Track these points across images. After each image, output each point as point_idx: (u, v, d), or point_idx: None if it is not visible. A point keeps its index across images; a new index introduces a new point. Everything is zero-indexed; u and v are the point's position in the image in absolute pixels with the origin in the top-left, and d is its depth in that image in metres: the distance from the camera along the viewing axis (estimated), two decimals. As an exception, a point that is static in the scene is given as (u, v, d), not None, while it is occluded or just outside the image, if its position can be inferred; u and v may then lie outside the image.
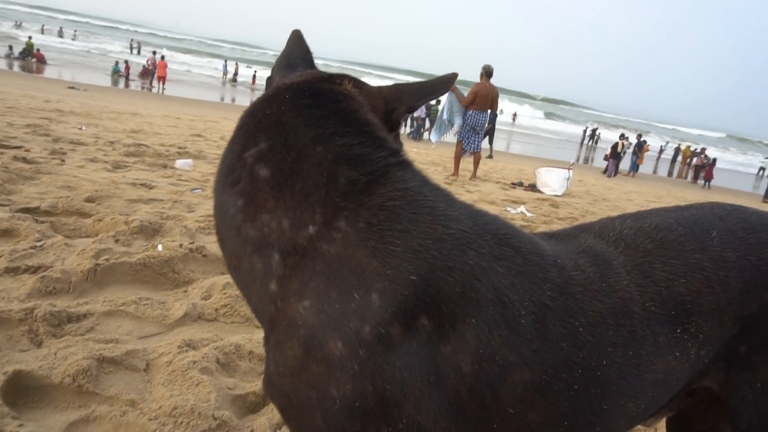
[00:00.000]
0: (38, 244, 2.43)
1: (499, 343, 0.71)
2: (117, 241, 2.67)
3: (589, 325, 0.78)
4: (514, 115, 48.03)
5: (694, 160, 26.99)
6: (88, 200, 3.48)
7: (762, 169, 30.39)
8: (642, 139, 22.83)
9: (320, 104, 0.84)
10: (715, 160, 24.21)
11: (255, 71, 40.14)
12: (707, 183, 22.93)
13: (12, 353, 1.60)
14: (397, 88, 0.96)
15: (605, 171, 20.43)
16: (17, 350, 1.64)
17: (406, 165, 0.83)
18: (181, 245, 2.59)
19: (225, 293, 2.23)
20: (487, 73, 9.26)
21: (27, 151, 4.99)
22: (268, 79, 1.02)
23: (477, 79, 9.30)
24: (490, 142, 19.24)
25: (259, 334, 2.00)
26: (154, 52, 27.63)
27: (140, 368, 1.65)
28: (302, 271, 0.73)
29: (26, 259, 2.24)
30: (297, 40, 1.06)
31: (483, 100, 9.26)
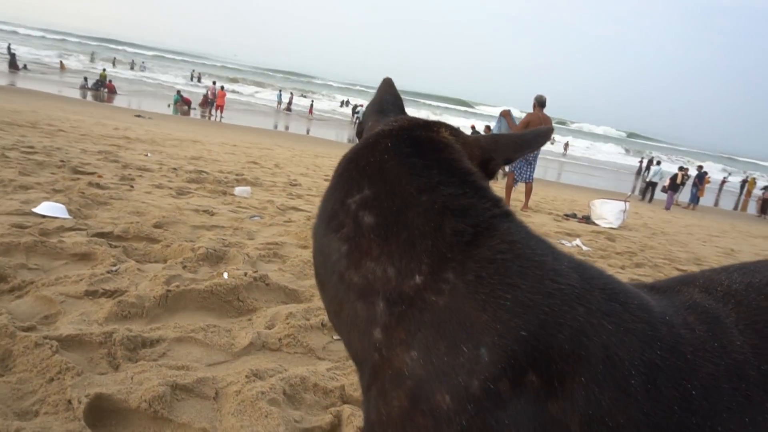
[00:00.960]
0: (114, 268, 2.55)
1: (609, 404, 0.68)
2: (185, 267, 2.78)
3: (702, 388, 0.74)
4: (566, 144, 47.29)
5: (761, 193, 25.70)
6: (156, 226, 3.64)
7: None
8: (703, 170, 21.94)
9: (422, 153, 0.86)
10: None
11: (312, 101, 41.38)
12: None
13: (93, 376, 1.68)
14: (495, 138, 0.97)
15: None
16: (97, 372, 1.72)
17: (510, 216, 0.83)
18: (245, 274, 2.67)
19: (288, 323, 2.27)
20: (540, 103, 9.21)
21: (100, 177, 5.30)
22: (359, 124, 1.06)
23: (529, 107, 9.26)
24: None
25: (322, 366, 2.02)
26: (214, 83, 28.95)
27: (210, 396, 1.69)
28: (409, 322, 0.73)
29: (104, 283, 2.36)
30: (388, 87, 1.09)
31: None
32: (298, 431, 1.57)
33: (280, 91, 40.78)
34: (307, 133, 25.64)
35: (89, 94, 26.40)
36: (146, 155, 7.91)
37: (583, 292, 0.74)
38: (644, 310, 0.77)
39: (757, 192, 28.86)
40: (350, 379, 1.91)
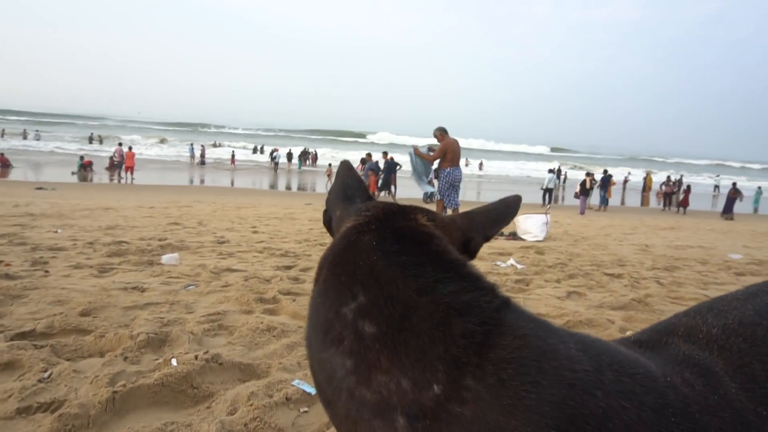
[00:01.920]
0: (45, 375, 2.31)
1: None
2: (126, 359, 2.57)
3: None
4: (480, 164, 49.37)
5: (663, 187, 27.98)
6: (84, 314, 3.36)
7: (716, 186, 31.57)
8: (608, 173, 23.57)
9: (410, 249, 0.83)
10: (689, 186, 24.89)
11: (233, 151, 40.57)
12: (683, 209, 23.51)
13: None
14: (471, 217, 0.97)
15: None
16: (47, 507, 1.53)
17: (510, 304, 0.81)
18: (196, 357, 2.51)
19: (251, 404, 2.14)
20: (443, 131, 9.62)
21: (8, 265, 4.86)
22: (326, 212, 1.02)
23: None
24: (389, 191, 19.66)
25: (296, 447, 1.91)
26: (120, 144, 27.73)
27: None
28: None
29: (37, 395, 2.13)
30: (348, 171, 1.07)
31: (454, 155, 9.52)
32: None
33: (192, 144, 39.72)
34: (233, 185, 25.04)
35: (-21, 170, 24.44)
36: (56, 232, 7.39)
37: (596, 375, 0.73)
38: (650, 379, 0.78)
39: (655, 187, 31.40)
40: (330, 458, 1.82)
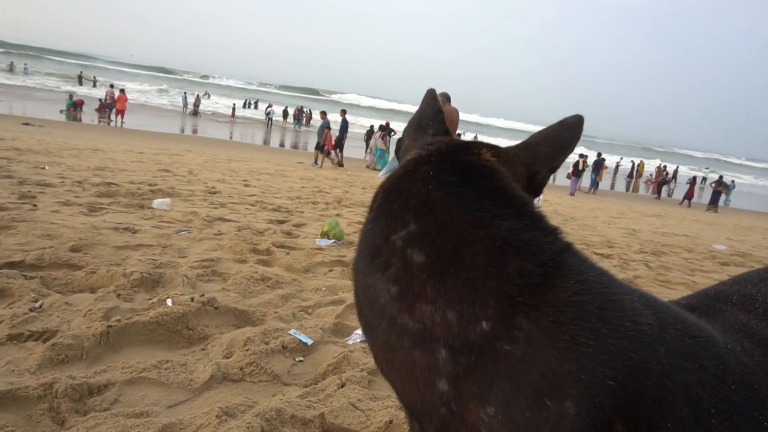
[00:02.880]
0: (36, 305, 2.26)
1: None
2: (119, 296, 2.53)
3: None
4: (475, 137, 49.15)
5: (650, 175, 28.19)
6: (74, 249, 3.30)
7: (703, 179, 31.95)
8: (601, 156, 23.60)
9: (470, 182, 0.78)
10: (694, 178, 24.76)
11: (234, 104, 39.69)
12: (688, 201, 23.43)
13: (37, 438, 1.46)
14: (533, 149, 0.91)
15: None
16: (41, 433, 1.50)
17: (573, 249, 0.76)
18: (192, 299, 2.47)
19: (247, 350, 2.12)
20: (447, 98, 9.44)
21: (-9, 197, 4.74)
22: (398, 141, 0.98)
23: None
24: (341, 150, 19.69)
25: (293, 394, 1.91)
26: (112, 86, 27.04)
27: (181, 445, 1.53)
28: (482, 373, 0.66)
29: (28, 324, 2.08)
30: (430, 100, 1.01)
31: (451, 126, 9.42)
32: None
33: (185, 93, 38.86)
34: (231, 138, 24.64)
35: (-37, 100, 23.77)
36: (44, 168, 7.23)
37: (660, 332, 0.70)
38: (712, 343, 0.75)
39: (646, 174, 31.62)
40: (328, 406, 1.81)
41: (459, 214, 0.74)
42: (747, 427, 0.70)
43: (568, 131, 0.93)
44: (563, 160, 0.93)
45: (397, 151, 1.14)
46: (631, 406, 0.64)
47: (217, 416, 1.63)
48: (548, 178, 0.93)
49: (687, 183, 24.48)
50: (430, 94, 1.02)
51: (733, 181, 29.43)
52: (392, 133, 22.71)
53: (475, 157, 0.84)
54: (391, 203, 0.79)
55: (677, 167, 39.08)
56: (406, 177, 0.81)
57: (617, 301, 0.70)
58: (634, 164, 32.57)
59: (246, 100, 48.67)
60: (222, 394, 1.84)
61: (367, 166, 19.27)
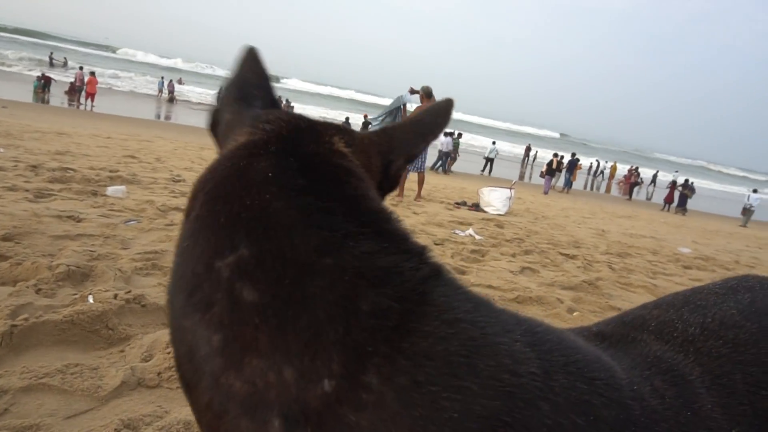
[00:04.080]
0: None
1: None
2: (39, 291, 2.35)
3: None
4: (459, 134, 49.26)
5: (623, 177, 28.60)
6: (5, 239, 3.10)
7: (673, 182, 32.40)
8: (575, 157, 23.80)
9: (320, 188, 0.62)
10: (674, 182, 24.78)
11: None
12: (668, 206, 23.60)
13: None
14: (390, 135, 0.78)
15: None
16: None
17: (442, 275, 0.61)
18: (115, 295, 2.31)
19: (169, 352, 1.98)
20: (427, 94, 9.31)
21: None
22: (215, 113, 0.76)
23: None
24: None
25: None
26: (81, 68, 26.28)
27: (68, 462, 1.39)
28: None
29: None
30: (252, 61, 0.81)
31: None
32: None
33: (162, 78, 38.01)
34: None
35: None
36: (-1, 150, 6.93)
37: (545, 380, 0.56)
38: (612, 386, 0.62)
39: (619, 176, 32.02)
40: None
41: (302, 234, 0.58)
42: None
43: (434, 116, 0.81)
44: (424, 147, 0.81)
45: (211, 127, 0.69)
46: None
47: (115, 429, 1.49)
48: (404, 169, 0.80)
49: (667, 187, 24.76)
50: (252, 54, 0.82)
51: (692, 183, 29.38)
52: (370, 125, 22.50)
53: (325, 148, 0.68)
54: (216, 214, 0.61)
55: (657, 171, 39.46)
56: (236, 177, 0.63)
57: (491, 346, 0.56)
58: (598, 165, 33.24)
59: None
60: (131, 403, 1.70)
61: None
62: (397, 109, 9.91)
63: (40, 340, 1.92)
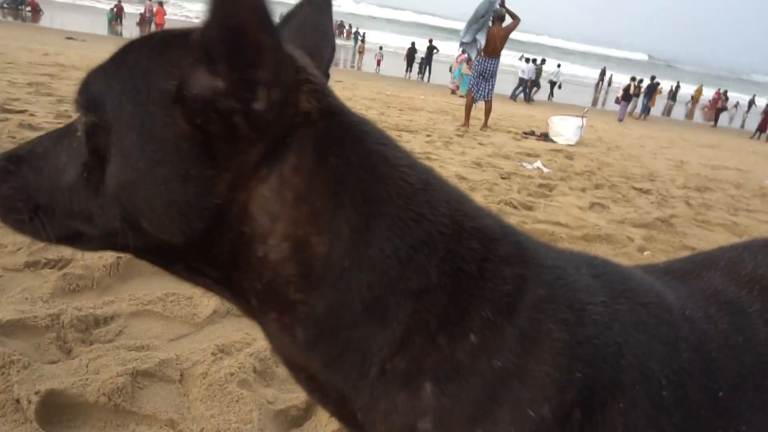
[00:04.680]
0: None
1: (644, 424, 0.64)
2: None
3: (728, 388, 0.71)
4: (543, 60, 46.88)
5: (708, 102, 26.44)
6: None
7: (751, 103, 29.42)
8: (655, 80, 22.17)
9: None
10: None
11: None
12: (759, 133, 21.80)
13: (42, 366, 1.54)
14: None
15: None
16: (47, 361, 1.59)
17: (529, 241, 0.71)
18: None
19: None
20: (499, 17, 8.82)
21: (32, 115, 4.84)
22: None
23: None
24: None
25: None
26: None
27: (175, 379, 1.59)
28: None
29: (45, 251, 2.16)
30: None
31: (492, 46, 8.88)
32: (272, 414, 1.51)
33: None
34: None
35: (7, 13, 23.95)
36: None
37: (612, 305, 0.68)
38: (664, 309, 0.72)
39: (704, 101, 29.67)
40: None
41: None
42: (699, 396, 0.68)
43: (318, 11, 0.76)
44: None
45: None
46: (590, 392, 0.62)
47: (212, 354, 1.69)
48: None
49: (762, 113, 22.70)
50: None
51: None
52: (435, 51, 21.74)
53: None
54: None
55: (753, 96, 36.10)
56: None
57: (574, 283, 0.67)
58: (677, 88, 30.31)
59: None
60: (223, 330, 1.90)
61: (452, 92, 18.56)
62: (489, 13, 9.07)
63: (141, 270, 2.14)
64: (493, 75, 9.16)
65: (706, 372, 0.69)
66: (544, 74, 23.29)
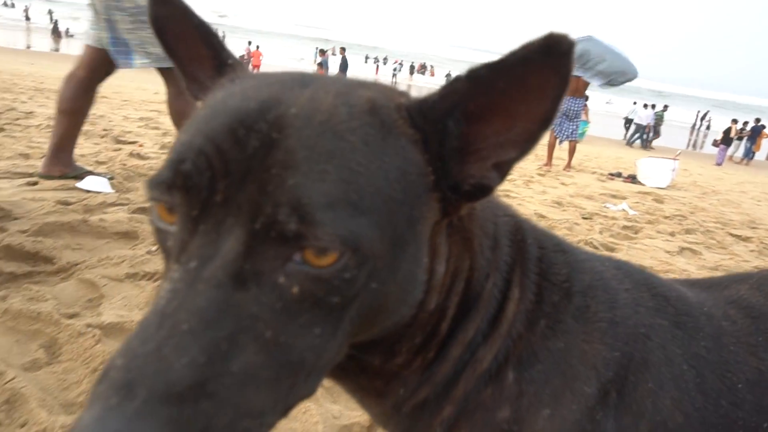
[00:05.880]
0: (153, 248, 2.58)
1: (670, 406, 0.68)
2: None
3: (747, 381, 0.73)
4: (665, 107, 45.44)
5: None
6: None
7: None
8: (760, 123, 20.71)
9: None
10: None
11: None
12: None
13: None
14: None
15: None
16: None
17: (572, 250, 0.80)
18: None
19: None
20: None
21: (140, 146, 5.35)
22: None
23: None
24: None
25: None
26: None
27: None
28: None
29: (144, 264, 2.38)
30: None
31: (574, 84, 8.75)
32: (336, 428, 1.56)
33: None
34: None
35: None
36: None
37: (636, 292, 0.75)
38: (683, 302, 0.77)
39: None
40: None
41: None
42: (718, 385, 0.71)
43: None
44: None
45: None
46: (624, 372, 0.68)
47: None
48: None
49: None
50: None
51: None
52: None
53: None
54: None
55: None
56: None
57: (604, 270, 0.76)
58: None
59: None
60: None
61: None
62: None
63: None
64: (578, 115, 9.02)
65: (724, 363, 0.73)
66: (676, 124, 22.34)
